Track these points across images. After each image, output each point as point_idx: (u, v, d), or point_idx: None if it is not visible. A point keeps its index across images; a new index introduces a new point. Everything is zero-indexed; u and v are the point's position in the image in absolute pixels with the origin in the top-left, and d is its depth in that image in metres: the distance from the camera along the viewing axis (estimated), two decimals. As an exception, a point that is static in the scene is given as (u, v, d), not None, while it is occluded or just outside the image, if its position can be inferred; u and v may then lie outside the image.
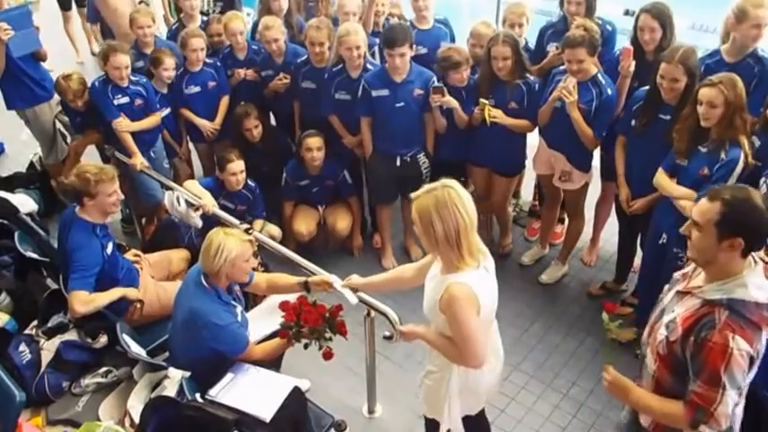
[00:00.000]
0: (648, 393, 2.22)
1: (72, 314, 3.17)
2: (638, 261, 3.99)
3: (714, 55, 3.58)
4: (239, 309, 3.11)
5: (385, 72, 4.02)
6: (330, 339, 2.89)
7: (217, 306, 2.96)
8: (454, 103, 3.91)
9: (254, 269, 3.71)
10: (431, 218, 2.22)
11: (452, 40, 4.55)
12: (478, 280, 2.26)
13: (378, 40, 4.35)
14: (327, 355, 2.91)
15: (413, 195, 2.32)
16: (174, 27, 4.96)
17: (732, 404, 1.93)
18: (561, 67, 3.81)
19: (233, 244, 2.91)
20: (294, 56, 4.48)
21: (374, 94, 4.03)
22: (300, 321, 2.86)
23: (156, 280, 3.68)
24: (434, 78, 4.01)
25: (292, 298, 2.98)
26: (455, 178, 4.25)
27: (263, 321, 3.19)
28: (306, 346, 2.92)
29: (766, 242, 2.49)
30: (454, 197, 2.23)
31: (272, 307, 3.22)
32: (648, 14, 3.59)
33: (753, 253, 2.01)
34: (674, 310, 2.10)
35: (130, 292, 3.36)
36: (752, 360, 1.94)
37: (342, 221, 4.55)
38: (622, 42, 3.96)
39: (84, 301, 3.15)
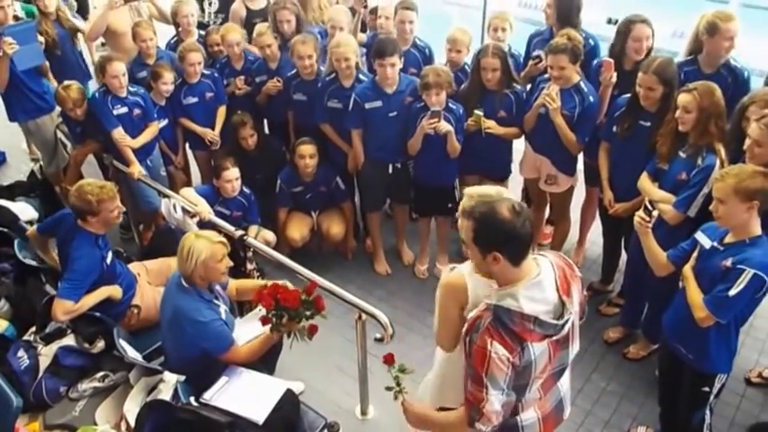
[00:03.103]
0: (439, 414, 2.36)
1: (53, 320, 3.24)
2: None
3: (691, 63, 3.66)
4: (223, 308, 3.16)
5: (376, 84, 4.08)
6: (311, 318, 2.88)
7: (199, 304, 3.02)
8: (448, 127, 3.90)
9: (248, 274, 3.85)
10: None
11: (427, 64, 4.46)
12: (482, 285, 2.24)
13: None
14: (312, 330, 2.87)
15: (466, 191, 2.33)
16: (172, 41, 5.06)
17: (498, 403, 2.00)
18: (545, 75, 3.89)
19: (202, 246, 2.98)
20: (291, 66, 4.53)
21: (367, 106, 4.08)
22: (280, 303, 2.85)
23: (154, 286, 3.73)
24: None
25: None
26: (444, 203, 4.17)
27: (250, 326, 3.22)
28: (289, 335, 2.91)
29: (649, 209, 2.78)
30: None
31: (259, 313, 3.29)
32: (645, 24, 3.69)
33: (548, 256, 2.07)
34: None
35: (115, 292, 3.42)
36: (517, 367, 1.97)
37: (336, 226, 4.62)
38: (604, 49, 4.04)
39: (69, 310, 3.21)
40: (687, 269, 2.84)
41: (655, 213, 2.87)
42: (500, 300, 1.97)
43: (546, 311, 1.98)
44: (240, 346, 3.11)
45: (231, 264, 3.16)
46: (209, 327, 3.01)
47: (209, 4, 5.43)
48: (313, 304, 2.87)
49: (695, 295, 2.73)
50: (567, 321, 2.00)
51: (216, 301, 3.15)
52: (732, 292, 2.57)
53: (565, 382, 2.34)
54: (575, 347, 2.19)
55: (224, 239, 3.15)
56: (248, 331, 3.21)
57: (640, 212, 2.87)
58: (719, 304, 2.63)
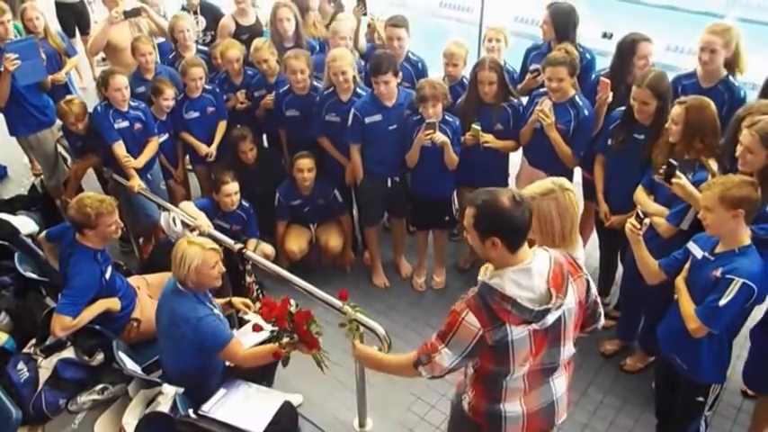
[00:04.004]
0: (387, 354, 2.63)
1: (52, 335, 3.26)
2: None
3: (691, 77, 3.72)
4: (216, 310, 3.18)
5: (375, 98, 4.12)
6: (293, 342, 2.83)
7: (195, 304, 3.04)
8: (444, 138, 3.93)
9: (247, 287, 3.87)
10: (551, 219, 2.49)
11: (420, 77, 4.47)
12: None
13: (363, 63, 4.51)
14: (276, 354, 2.87)
15: (526, 192, 2.43)
16: (170, 56, 5.11)
17: (449, 362, 2.17)
18: (540, 90, 3.95)
19: (195, 252, 3.00)
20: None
21: (367, 120, 4.11)
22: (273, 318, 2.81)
23: (154, 300, 3.76)
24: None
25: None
26: (441, 216, 4.24)
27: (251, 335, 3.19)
28: (287, 360, 2.89)
29: (641, 216, 2.85)
30: (573, 201, 2.54)
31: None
32: (648, 42, 3.76)
33: (549, 251, 2.18)
34: None
35: (113, 304, 3.44)
36: (487, 342, 2.08)
37: (334, 239, 4.65)
38: (602, 63, 4.10)
39: (67, 326, 3.22)
40: (680, 281, 2.88)
41: (646, 221, 2.91)
42: (490, 279, 2.11)
43: (529, 298, 2.07)
44: (241, 347, 3.07)
45: (224, 269, 3.18)
46: (203, 321, 2.99)
47: (197, 22, 5.48)
48: (298, 333, 2.81)
49: (687, 307, 2.78)
50: (547, 311, 2.07)
51: (209, 304, 3.16)
52: (722, 303, 2.61)
53: (560, 386, 2.37)
54: (567, 348, 2.25)
55: (216, 246, 3.18)
56: (251, 336, 3.19)
57: (632, 220, 2.92)
58: (711, 315, 2.67)
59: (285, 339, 2.84)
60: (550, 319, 2.09)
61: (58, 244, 3.65)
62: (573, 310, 2.18)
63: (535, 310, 2.06)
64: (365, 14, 4.78)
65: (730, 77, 3.63)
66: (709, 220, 2.69)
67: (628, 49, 3.79)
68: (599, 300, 2.34)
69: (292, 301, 2.93)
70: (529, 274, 2.09)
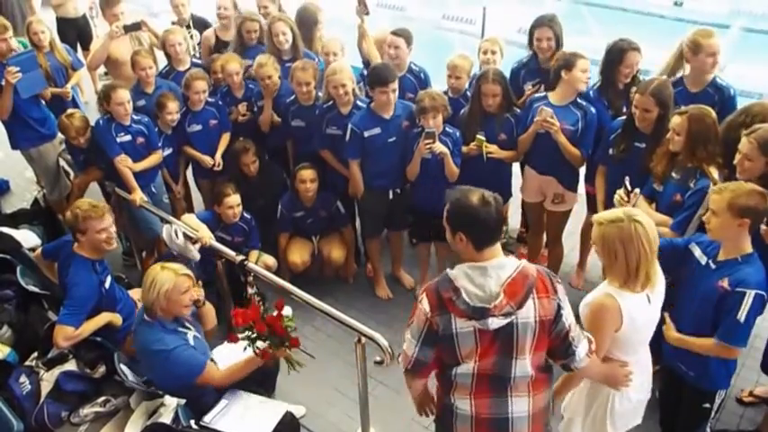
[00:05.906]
0: None
1: (55, 346, 3.26)
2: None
3: (678, 85, 3.74)
4: (191, 334, 3.14)
5: (372, 111, 4.12)
6: (284, 345, 2.85)
7: (161, 334, 2.99)
8: (444, 149, 3.92)
9: (249, 298, 3.87)
10: (615, 248, 2.39)
11: (423, 87, 4.49)
12: (633, 303, 2.42)
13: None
14: (265, 355, 2.86)
15: (596, 218, 2.46)
16: (164, 70, 5.09)
17: (412, 350, 2.29)
18: (536, 95, 3.98)
19: (167, 277, 2.97)
20: (290, 93, 4.60)
21: (366, 134, 4.11)
22: (248, 324, 2.83)
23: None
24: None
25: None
26: (441, 227, 4.43)
27: (232, 351, 3.16)
28: (258, 348, 2.87)
29: (628, 188, 2.81)
30: (640, 232, 2.36)
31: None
32: (636, 51, 3.82)
33: (523, 262, 2.19)
34: None
35: (115, 319, 3.44)
36: (434, 328, 2.20)
37: (337, 251, 4.66)
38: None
39: (69, 336, 3.23)
40: (674, 338, 2.84)
41: (636, 191, 2.91)
42: (450, 269, 2.22)
43: (476, 294, 2.12)
44: (216, 370, 3.07)
45: (195, 297, 3.15)
46: (174, 353, 2.96)
47: (191, 36, 5.49)
48: (276, 333, 2.82)
49: (705, 344, 2.73)
50: (485, 310, 2.10)
51: (181, 329, 3.12)
52: (742, 317, 2.59)
53: (519, 407, 2.29)
54: (521, 364, 2.21)
55: (190, 272, 3.14)
56: (230, 355, 3.19)
57: (620, 191, 2.94)
58: (735, 333, 2.64)
59: (260, 343, 2.83)
60: (494, 322, 2.11)
61: (53, 261, 3.67)
62: (530, 326, 2.16)
63: (471, 304, 2.11)
64: (367, 14, 4.78)
65: (717, 79, 3.67)
66: (712, 224, 2.67)
67: (615, 58, 3.85)
68: (575, 337, 2.24)
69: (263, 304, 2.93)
70: (484, 272, 2.15)
